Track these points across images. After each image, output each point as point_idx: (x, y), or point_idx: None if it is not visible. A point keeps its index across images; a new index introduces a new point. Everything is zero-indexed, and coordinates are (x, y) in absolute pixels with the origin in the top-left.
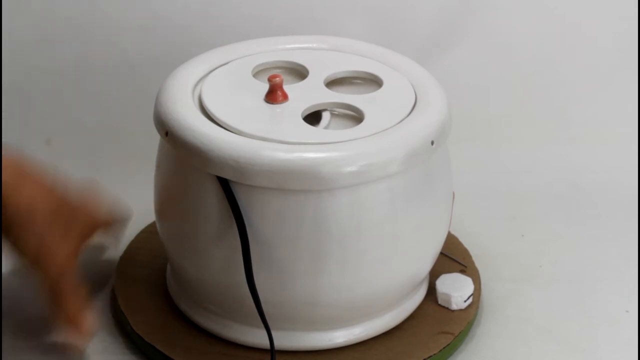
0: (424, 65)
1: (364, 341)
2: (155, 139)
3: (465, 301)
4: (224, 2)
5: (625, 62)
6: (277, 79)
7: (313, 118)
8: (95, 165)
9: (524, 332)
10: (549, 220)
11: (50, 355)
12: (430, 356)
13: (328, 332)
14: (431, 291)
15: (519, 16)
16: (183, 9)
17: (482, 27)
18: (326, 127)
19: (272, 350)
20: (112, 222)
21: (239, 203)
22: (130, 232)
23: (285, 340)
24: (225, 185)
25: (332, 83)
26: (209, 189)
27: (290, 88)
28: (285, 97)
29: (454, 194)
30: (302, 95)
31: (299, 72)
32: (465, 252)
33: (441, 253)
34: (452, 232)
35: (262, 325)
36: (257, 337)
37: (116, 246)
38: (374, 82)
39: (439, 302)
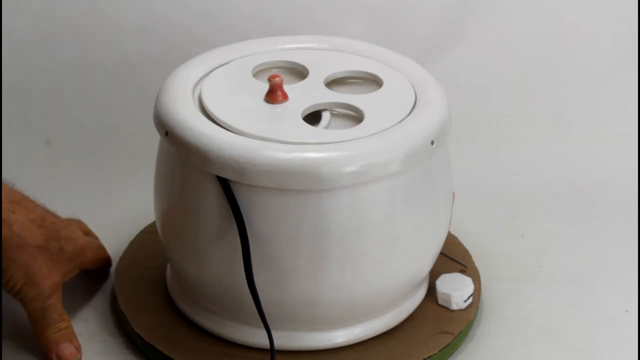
0: (424, 65)
1: (364, 341)
2: (155, 139)
3: (465, 301)
4: (224, 2)
5: (625, 62)
6: (277, 79)
7: (313, 118)
8: (95, 165)
9: (524, 332)
10: (549, 220)
11: None
12: (430, 356)
13: (328, 332)
14: (431, 291)
15: (519, 16)
16: (183, 9)
17: (482, 27)
18: (326, 127)
19: (272, 350)
20: (98, 260)
21: (239, 203)
22: (130, 232)
23: (285, 340)
24: (225, 185)
25: (332, 83)
26: (209, 189)
27: (290, 88)
28: (285, 97)
29: (454, 194)
30: (302, 95)
31: (299, 72)
32: (465, 252)
33: (441, 253)
34: (452, 232)
35: (262, 325)
36: (257, 337)
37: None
38: (374, 82)
39: (439, 302)
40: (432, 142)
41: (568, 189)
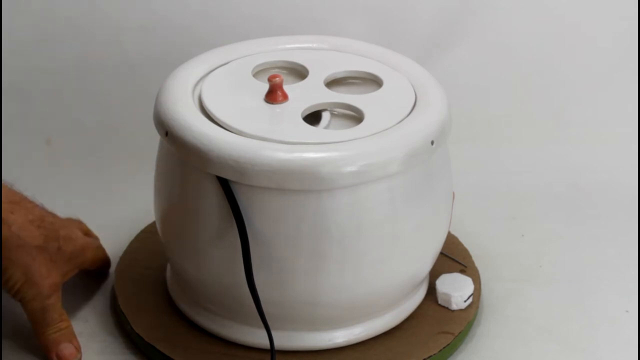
0: (424, 65)
1: (364, 341)
2: (155, 139)
3: (465, 301)
4: (224, 2)
5: (625, 62)
6: (277, 79)
7: (313, 118)
8: (95, 165)
9: (524, 332)
10: (549, 220)
11: None
12: (430, 356)
13: (328, 332)
14: (431, 291)
15: (519, 16)
16: (183, 9)
17: (482, 27)
18: (326, 127)
19: (272, 350)
20: (97, 261)
21: (239, 203)
22: (130, 232)
23: (285, 340)
24: (225, 185)
25: (332, 83)
26: (209, 189)
27: (290, 88)
28: (285, 97)
29: (454, 194)
30: (302, 95)
31: (299, 72)
32: (465, 252)
33: (441, 253)
34: (452, 232)
35: (262, 325)
36: (257, 337)
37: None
38: (374, 82)
39: (439, 302)
40: (432, 142)
41: (568, 189)
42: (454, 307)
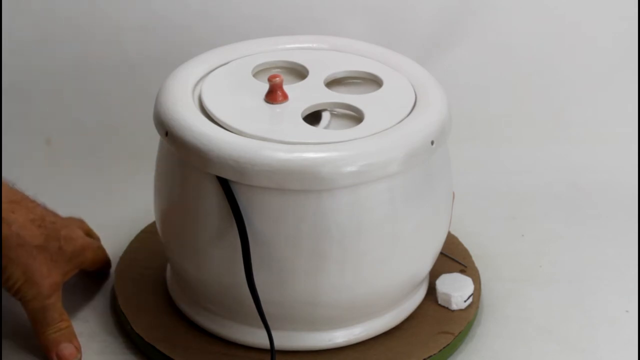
0: (424, 65)
1: (364, 341)
2: (155, 139)
3: (465, 301)
4: (224, 2)
5: (625, 62)
6: (277, 79)
7: (313, 118)
8: (95, 165)
9: (524, 332)
10: (549, 220)
11: None
12: (430, 356)
13: (328, 332)
14: (431, 291)
15: (519, 16)
16: (183, 9)
17: (482, 27)
18: (326, 127)
19: (272, 350)
20: (97, 261)
21: (239, 203)
22: (130, 232)
23: (285, 340)
24: (225, 185)
25: (332, 83)
26: (209, 189)
27: (290, 88)
28: (285, 97)
29: (454, 194)
30: (302, 95)
31: (299, 72)
32: (465, 252)
33: (441, 253)
34: (452, 232)
35: (262, 325)
36: (257, 337)
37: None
38: (374, 82)
39: (439, 302)
40: (432, 142)
41: (568, 189)
42: (454, 307)
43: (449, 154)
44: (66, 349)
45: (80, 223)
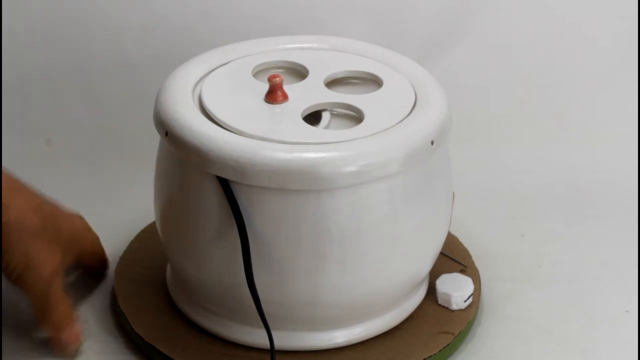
0: (424, 65)
1: (364, 341)
2: (155, 139)
3: (465, 301)
4: (224, 2)
5: (625, 62)
6: (277, 79)
7: (313, 118)
8: (95, 165)
9: (524, 332)
10: (549, 220)
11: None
12: (430, 356)
13: (328, 332)
14: (431, 291)
15: (519, 16)
16: (183, 9)
17: (482, 27)
18: (326, 127)
19: (272, 350)
20: (94, 253)
21: (239, 203)
22: (130, 232)
23: (285, 340)
24: (225, 185)
25: (332, 83)
26: (209, 189)
27: (290, 88)
28: (285, 97)
29: (454, 194)
30: (302, 95)
31: (299, 72)
32: (465, 252)
33: (441, 253)
34: (452, 232)
35: (262, 325)
36: (257, 337)
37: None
38: (374, 82)
39: (439, 302)
40: (432, 142)
41: (568, 189)
42: (454, 307)
43: (449, 154)
44: (70, 333)
45: (79, 218)
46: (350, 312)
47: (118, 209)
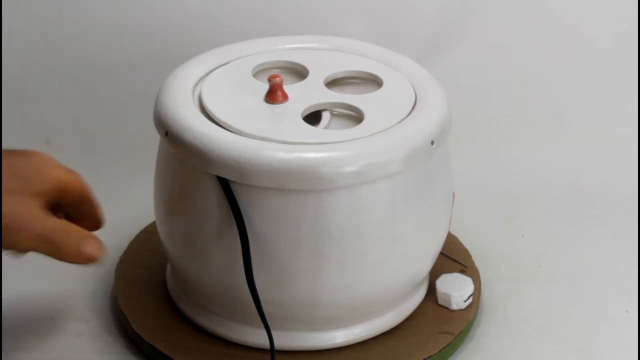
0: (424, 65)
1: (364, 341)
2: (155, 139)
3: (465, 301)
4: (224, 2)
5: (625, 62)
6: (277, 79)
7: (313, 118)
8: (95, 165)
9: (524, 332)
10: (549, 220)
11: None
12: (430, 356)
13: (328, 332)
14: (431, 291)
15: (519, 16)
16: (183, 9)
17: (482, 27)
18: (326, 127)
19: (272, 350)
20: (73, 181)
21: (239, 203)
22: (130, 232)
23: (285, 340)
24: (225, 185)
25: (332, 83)
26: (209, 189)
27: (290, 88)
28: (285, 97)
29: (454, 194)
30: (302, 95)
31: (299, 72)
32: (465, 252)
33: (441, 253)
34: (452, 232)
35: (262, 325)
36: (257, 337)
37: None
38: (374, 82)
39: (439, 302)
40: (432, 142)
41: (568, 189)
42: (454, 307)
43: (449, 154)
44: (89, 249)
45: (40, 154)
46: (350, 312)
47: (118, 209)
